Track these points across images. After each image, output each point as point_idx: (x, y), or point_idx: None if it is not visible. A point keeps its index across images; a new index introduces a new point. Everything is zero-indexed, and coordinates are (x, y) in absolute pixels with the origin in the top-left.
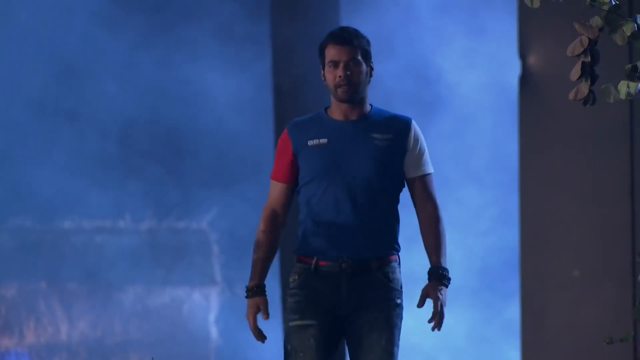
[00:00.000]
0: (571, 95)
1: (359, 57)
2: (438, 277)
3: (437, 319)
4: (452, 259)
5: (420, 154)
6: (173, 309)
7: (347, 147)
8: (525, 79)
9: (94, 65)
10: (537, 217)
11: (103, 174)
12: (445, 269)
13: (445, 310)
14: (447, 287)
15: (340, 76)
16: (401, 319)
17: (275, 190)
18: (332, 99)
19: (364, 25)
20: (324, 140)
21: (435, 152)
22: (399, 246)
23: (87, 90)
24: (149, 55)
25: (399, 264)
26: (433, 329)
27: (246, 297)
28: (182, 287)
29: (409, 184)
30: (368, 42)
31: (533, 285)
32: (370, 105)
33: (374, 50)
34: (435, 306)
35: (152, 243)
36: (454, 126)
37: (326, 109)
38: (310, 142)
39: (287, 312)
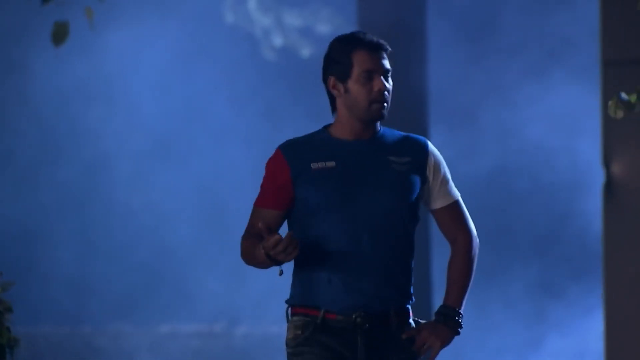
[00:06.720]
0: None
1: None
2: (451, 323)
3: None
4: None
5: (445, 180)
6: None
7: (361, 172)
8: (610, 187)
9: None
10: (623, 326)
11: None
12: (461, 315)
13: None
14: (458, 334)
15: (379, 89)
16: None
17: (261, 217)
18: (344, 116)
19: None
20: (331, 163)
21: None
22: (414, 297)
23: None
24: None
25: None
26: None
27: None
28: None
29: (437, 216)
30: None
31: None
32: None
33: None
34: (433, 356)
35: (245, 347)
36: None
37: (326, 127)
38: (314, 165)
39: None
